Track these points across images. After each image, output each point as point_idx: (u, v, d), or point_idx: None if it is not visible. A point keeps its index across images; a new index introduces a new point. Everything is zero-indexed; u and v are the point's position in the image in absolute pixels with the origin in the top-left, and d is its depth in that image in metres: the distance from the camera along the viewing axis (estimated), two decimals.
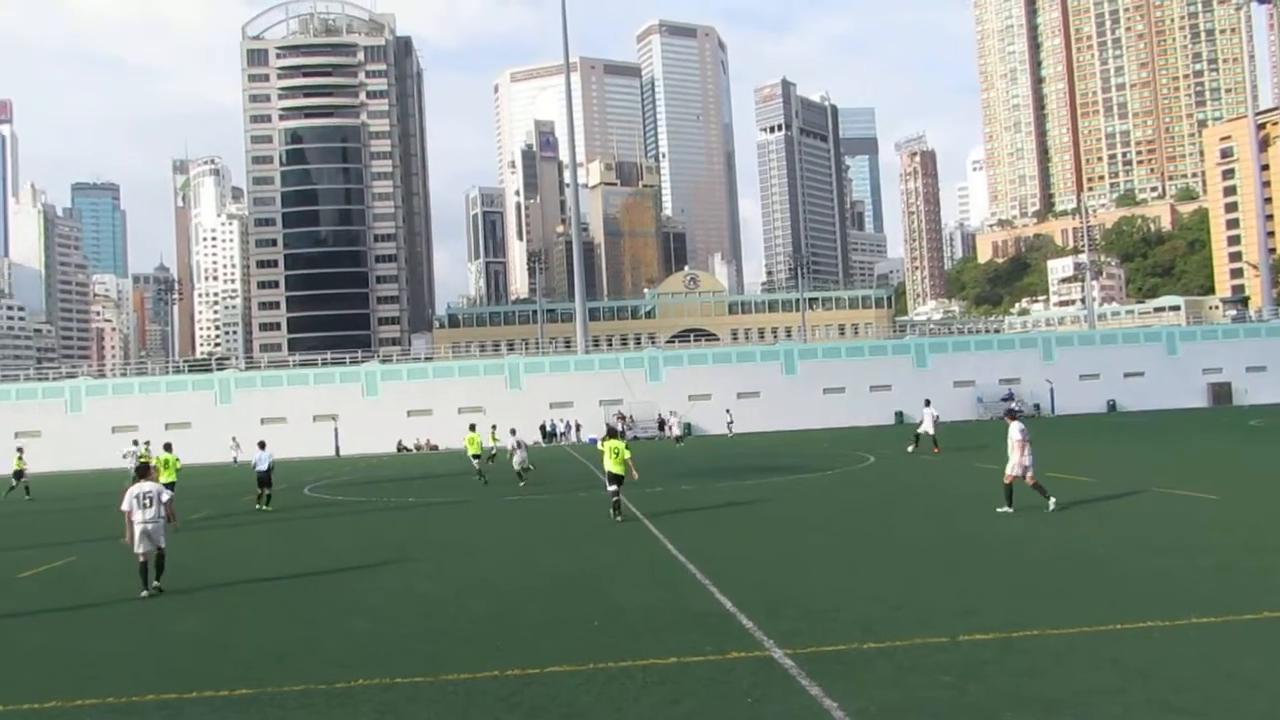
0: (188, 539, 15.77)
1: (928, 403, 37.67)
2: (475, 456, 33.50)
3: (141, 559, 13.34)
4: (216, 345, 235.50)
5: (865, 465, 30.54)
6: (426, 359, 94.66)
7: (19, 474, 36.35)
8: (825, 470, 29.18)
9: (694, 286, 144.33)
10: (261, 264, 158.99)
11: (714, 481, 27.10)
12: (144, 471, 14.02)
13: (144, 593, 13.14)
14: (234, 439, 57.46)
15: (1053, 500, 16.73)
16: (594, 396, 69.58)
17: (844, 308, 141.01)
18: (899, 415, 67.75)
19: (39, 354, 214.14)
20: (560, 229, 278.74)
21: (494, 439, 44.92)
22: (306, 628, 10.68)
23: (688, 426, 68.65)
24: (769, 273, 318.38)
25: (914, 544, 14.02)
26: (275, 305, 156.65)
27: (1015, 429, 16.96)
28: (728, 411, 66.99)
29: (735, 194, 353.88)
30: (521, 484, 28.96)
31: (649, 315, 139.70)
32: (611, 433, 20.41)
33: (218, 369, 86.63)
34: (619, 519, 18.44)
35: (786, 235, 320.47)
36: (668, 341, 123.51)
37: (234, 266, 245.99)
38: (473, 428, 35.23)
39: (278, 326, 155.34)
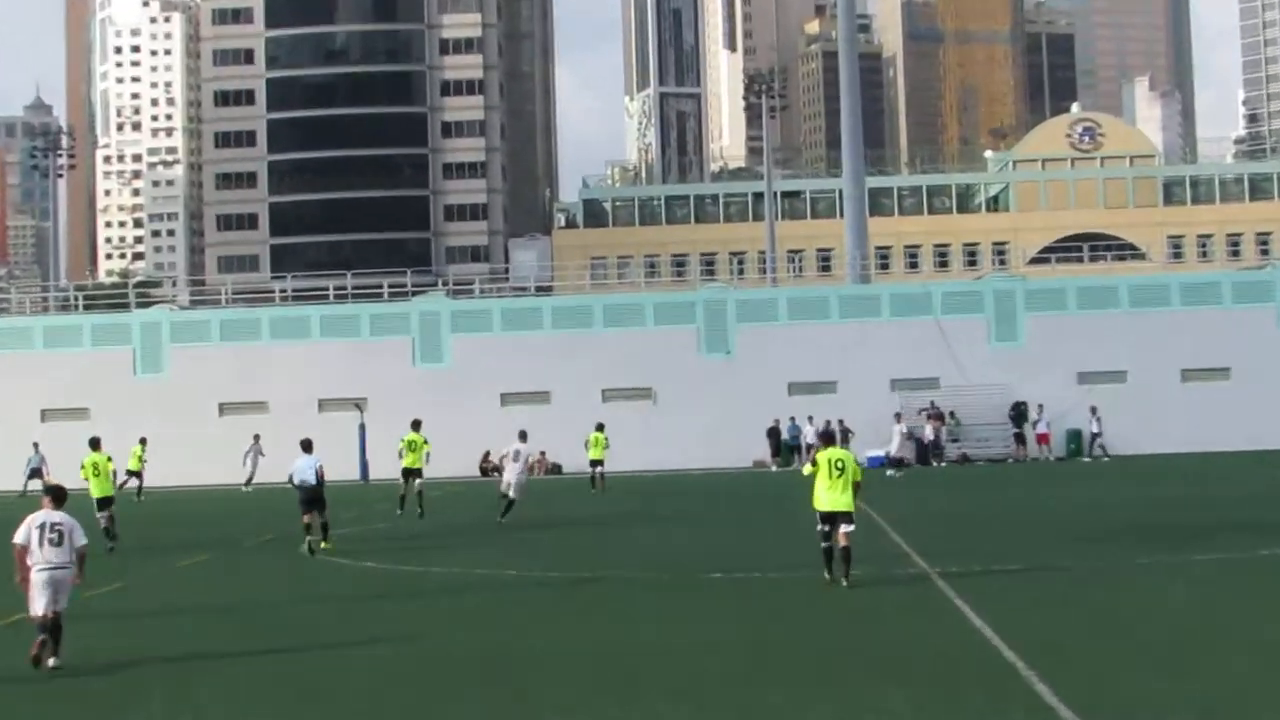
0: (112, 627, 17.43)
1: None
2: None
3: (41, 619, 16.58)
4: (138, 257, 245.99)
5: None
6: (540, 290, 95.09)
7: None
8: None
9: (1090, 144, 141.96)
10: (225, 99, 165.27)
11: (1151, 548, 27.53)
12: (58, 495, 17.69)
13: (50, 662, 16.47)
14: (255, 440, 63.91)
15: None
16: (879, 371, 69.51)
17: None
18: None
19: None
20: (813, 27, 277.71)
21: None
22: None
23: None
24: (1251, 119, 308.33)
25: None
26: (249, 181, 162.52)
27: None
28: (1092, 411, 67.54)
29: None
30: (500, 519, 38.15)
31: (995, 205, 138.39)
32: (829, 438, 24.60)
33: (139, 304, 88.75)
34: (843, 581, 22.59)
35: None
36: (1032, 261, 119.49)
37: (173, 105, 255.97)
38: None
39: (254, 223, 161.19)
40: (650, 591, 25.06)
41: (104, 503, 33.28)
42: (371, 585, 27.00)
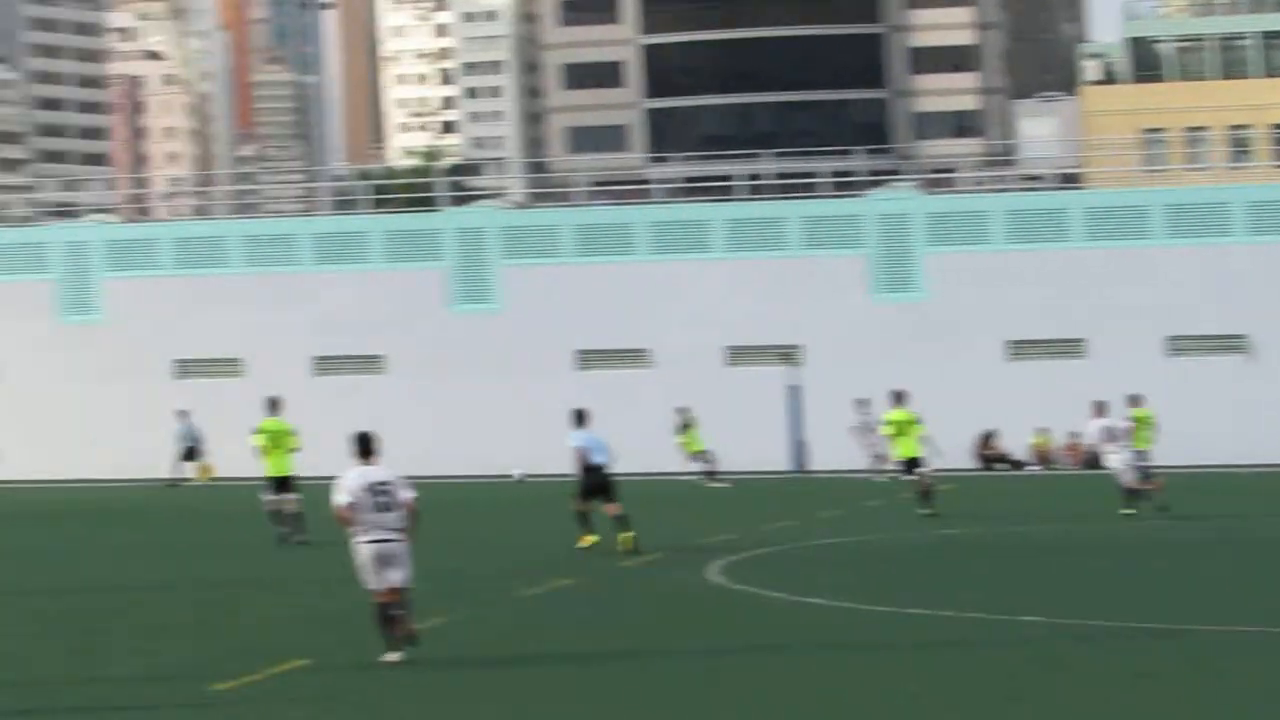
0: None
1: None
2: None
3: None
4: (446, 129, 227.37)
5: None
6: (1066, 180, 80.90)
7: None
8: None
9: None
10: None
11: None
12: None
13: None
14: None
15: None
16: (1147, 323, 59.24)
17: None
18: None
19: None
20: None
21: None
22: None
23: None
24: None
25: None
26: (609, 10, 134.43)
27: None
28: None
29: None
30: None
31: None
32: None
33: (454, 201, 79.38)
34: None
35: None
36: None
37: None
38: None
39: (617, 76, 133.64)
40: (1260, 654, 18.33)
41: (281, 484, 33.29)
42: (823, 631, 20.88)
